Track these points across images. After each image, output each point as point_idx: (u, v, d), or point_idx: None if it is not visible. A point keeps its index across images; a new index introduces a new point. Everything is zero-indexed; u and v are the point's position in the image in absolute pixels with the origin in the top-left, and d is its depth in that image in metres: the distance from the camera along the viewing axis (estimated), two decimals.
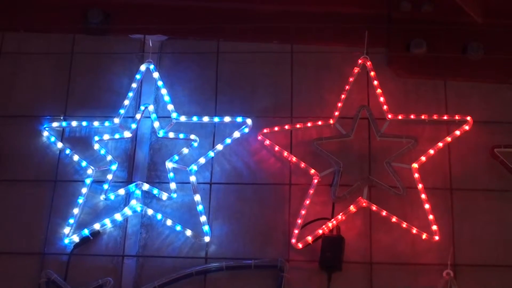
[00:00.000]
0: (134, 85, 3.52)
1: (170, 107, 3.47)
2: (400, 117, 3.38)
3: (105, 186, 3.34)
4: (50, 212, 3.38)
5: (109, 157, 3.41)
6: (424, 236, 3.16)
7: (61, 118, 3.56)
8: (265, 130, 3.44)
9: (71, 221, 3.31)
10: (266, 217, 3.32)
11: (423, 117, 3.38)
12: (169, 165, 3.37)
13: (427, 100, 3.50)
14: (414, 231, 3.17)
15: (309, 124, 3.42)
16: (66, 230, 3.30)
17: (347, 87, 3.44)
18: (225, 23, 3.68)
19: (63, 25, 3.77)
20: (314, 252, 3.19)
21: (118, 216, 3.31)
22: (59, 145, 3.50)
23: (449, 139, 3.33)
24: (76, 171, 3.47)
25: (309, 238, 3.20)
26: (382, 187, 3.26)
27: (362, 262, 3.20)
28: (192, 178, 3.33)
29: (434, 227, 3.16)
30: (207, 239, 3.26)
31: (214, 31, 3.69)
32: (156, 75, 3.53)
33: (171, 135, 3.45)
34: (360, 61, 3.47)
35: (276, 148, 3.41)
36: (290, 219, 3.29)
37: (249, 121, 3.43)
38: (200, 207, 3.27)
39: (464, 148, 3.37)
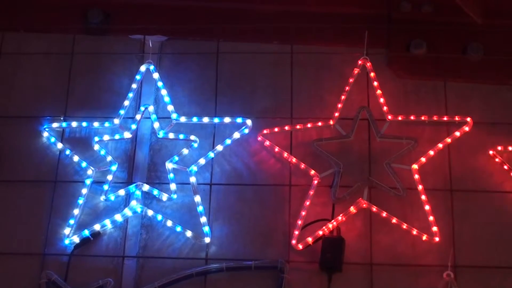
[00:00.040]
0: (134, 85, 3.52)
1: (170, 107, 3.46)
2: (400, 118, 3.38)
3: (105, 187, 3.35)
4: (50, 213, 3.38)
5: (109, 158, 3.41)
6: (424, 237, 3.16)
7: (61, 118, 3.56)
8: (265, 131, 3.43)
9: (71, 221, 3.32)
10: (266, 218, 3.33)
11: (423, 118, 3.38)
12: (169, 166, 3.37)
13: (427, 101, 3.50)
14: (414, 232, 3.17)
15: (309, 125, 3.42)
16: (66, 230, 3.30)
17: (347, 88, 3.44)
18: (225, 23, 3.68)
19: (63, 25, 3.77)
20: (314, 253, 3.19)
21: (118, 217, 3.31)
22: (59, 145, 3.50)
23: (449, 140, 3.33)
24: (76, 171, 3.47)
25: (309, 239, 3.21)
26: (382, 188, 3.26)
27: (362, 263, 3.20)
28: (192, 179, 3.33)
29: (435, 228, 3.16)
30: (207, 240, 3.26)
31: (214, 31, 3.69)
32: (156, 75, 3.53)
33: (171, 135, 3.45)
34: (360, 62, 3.47)
35: (276, 149, 3.40)
36: (290, 220, 3.29)
37: (249, 122, 3.43)
38: (200, 208, 3.27)
39: (464, 149, 3.37)
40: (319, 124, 3.42)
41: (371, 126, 3.38)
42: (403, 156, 3.30)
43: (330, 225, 3.21)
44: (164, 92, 3.50)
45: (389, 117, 3.38)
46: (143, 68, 3.54)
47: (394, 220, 3.19)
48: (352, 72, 3.46)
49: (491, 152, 3.35)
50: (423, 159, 3.28)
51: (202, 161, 3.38)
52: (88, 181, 3.38)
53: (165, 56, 3.68)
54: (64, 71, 3.68)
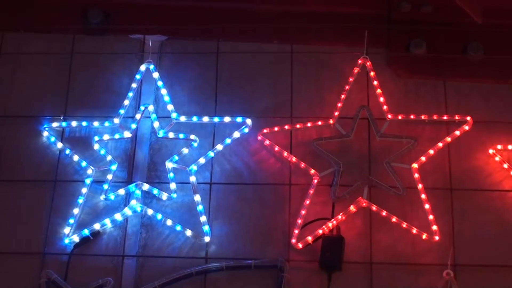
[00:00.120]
0: (134, 85, 3.52)
1: (170, 107, 3.46)
2: (400, 117, 3.38)
3: (105, 186, 3.34)
4: (50, 212, 3.38)
5: (109, 157, 3.41)
6: (424, 236, 3.16)
7: (61, 118, 3.56)
8: (265, 130, 3.44)
9: (71, 221, 3.31)
10: (266, 217, 3.32)
11: (423, 117, 3.39)
12: (169, 165, 3.37)
13: (427, 100, 3.50)
14: (414, 231, 3.17)
15: (309, 124, 3.42)
16: (66, 230, 3.30)
17: (347, 87, 3.44)
18: (225, 23, 3.68)
19: (63, 25, 3.77)
20: (314, 252, 3.19)
21: (118, 216, 3.31)
22: (59, 145, 3.50)
23: (449, 139, 3.33)
24: (76, 171, 3.47)
25: (309, 238, 3.20)
26: (382, 187, 3.26)
27: (362, 262, 3.20)
28: (192, 178, 3.33)
29: (434, 227, 3.16)
30: (207, 239, 3.26)
31: (214, 31, 3.69)
32: (156, 75, 3.53)
33: (171, 135, 3.45)
34: (360, 61, 3.47)
35: (276, 148, 3.41)
36: (290, 219, 3.29)
37: (249, 121, 3.43)
38: (200, 207, 3.27)
39: (464, 148, 3.38)
40: (319, 123, 3.42)
41: (371, 125, 3.38)
42: (403, 155, 3.30)
43: (330, 224, 3.21)
44: (164, 91, 3.50)
45: (389, 116, 3.38)
46: (143, 67, 3.54)
47: (394, 219, 3.19)
48: (352, 71, 3.46)
49: (491, 151, 3.35)
50: (423, 158, 3.28)
51: (202, 160, 3.38)
52: (88, 181, 3.38)
53: (165, 55, 3.69)
54: (64, 71, 3.68)
